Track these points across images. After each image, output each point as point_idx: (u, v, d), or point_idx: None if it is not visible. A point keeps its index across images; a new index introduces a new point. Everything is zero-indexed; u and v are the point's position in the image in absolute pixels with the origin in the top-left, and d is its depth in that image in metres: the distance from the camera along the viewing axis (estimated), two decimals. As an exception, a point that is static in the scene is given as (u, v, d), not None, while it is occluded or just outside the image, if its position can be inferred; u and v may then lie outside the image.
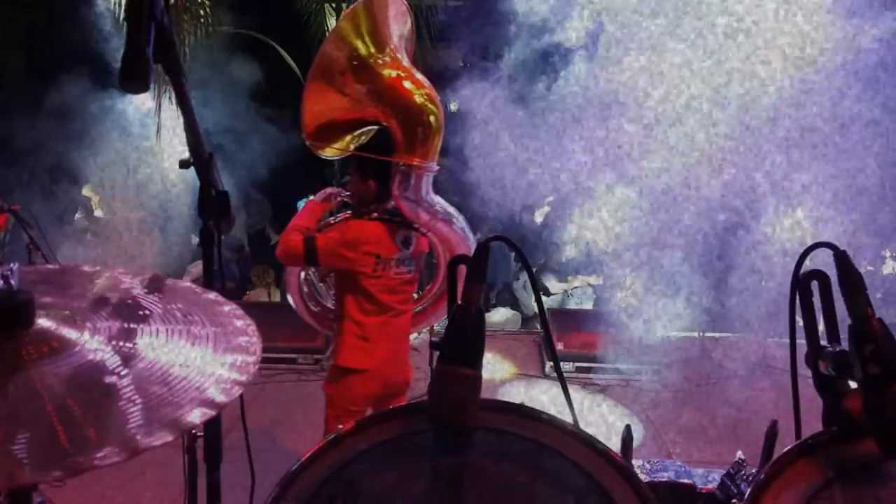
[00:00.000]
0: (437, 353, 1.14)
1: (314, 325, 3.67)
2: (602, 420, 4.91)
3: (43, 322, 1.11)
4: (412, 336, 3.69)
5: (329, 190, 3.36)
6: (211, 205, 1.39)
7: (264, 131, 7.98)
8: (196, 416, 1.00)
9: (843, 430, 1.18)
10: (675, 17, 5.18)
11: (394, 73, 3.14)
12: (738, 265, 5.53)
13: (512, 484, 1.11)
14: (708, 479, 1.51)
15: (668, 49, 5.19)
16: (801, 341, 1.30)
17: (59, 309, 1.16)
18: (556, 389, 1.35)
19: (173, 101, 5.69)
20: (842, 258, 1.18)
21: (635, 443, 1.67)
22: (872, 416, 1.10)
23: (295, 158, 6.76)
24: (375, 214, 3.15)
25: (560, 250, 7.64)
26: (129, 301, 1.25)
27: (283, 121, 7.64)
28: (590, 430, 1.17)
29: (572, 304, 7.76)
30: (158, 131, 7.30)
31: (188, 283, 1.39)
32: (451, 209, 3.34)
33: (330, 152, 3.34)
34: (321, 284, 3.59)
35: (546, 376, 5.72)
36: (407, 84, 3.15)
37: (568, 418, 1.21)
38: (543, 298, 2.68)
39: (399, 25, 3.22)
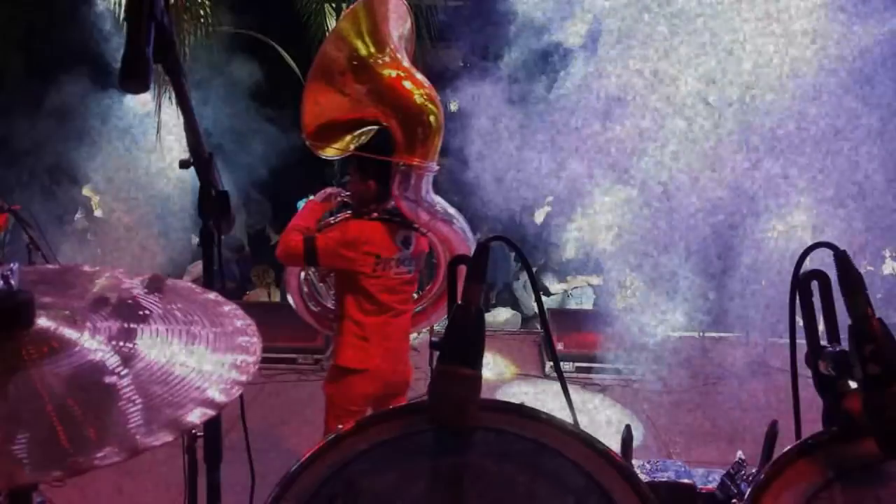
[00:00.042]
0: (437, 353, 1.14)
1: (314, 325, 3.67)
2: (602, 420, 4.91)
3: (43, 322, 1.11)
4: (412, 336, 3.69)
5: (329, 190, 3.36)
6: (211, 205, 1.39)
7: (264, 131, 7.98)
8: (196, 416, 1.00)
9: (843, 430, 1.18)
10: (675, 17, 5.18)
11: (394, 73, 3.14)
12: (738, 265, 5.53)
13: (512, 484, 1.11)
14: (708, 479, 1.51)
15: (669, 49, 5.19)
16: (801, 341, 1.30)
17: (59, 309, 1.16)
18: (556, 389, 1.35)
19: (173, 101, 5.69)
20: (842, 258, 1.18)
21: (635, 443, 1.67)
22: (872, 416, 1.10)
23: (295, 158, 6.75)
24: (375, 214, 3.15)
25: (560, 250, 7.64)
26: (129, 301, 1.25)
27: (283, 121, 7.64)
28: (590, 430, 1.17)
29: (572, 304, 7.75)
30: (158, 131, 7.30)
31: (188, 283, 1.39)
32: (451, 209, 3.34)
33: (330, 152, 3.34)
34: (321, 284, 3.59)
35: (546, 376, 5.72)
36: (407, 84, 3.15)
37: (568, 418, 1.21)
38: (543, 298, 2.68)
39: (399, 25, 3.22)
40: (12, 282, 1.09)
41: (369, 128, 3.31)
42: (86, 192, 8.50)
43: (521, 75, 6.27)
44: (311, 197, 3.33)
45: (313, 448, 1.16)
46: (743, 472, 1.40)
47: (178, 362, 1.09)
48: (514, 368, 5.89)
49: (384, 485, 1.12)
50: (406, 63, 3.22)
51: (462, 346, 1.13)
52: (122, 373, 1.05)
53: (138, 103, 7.47)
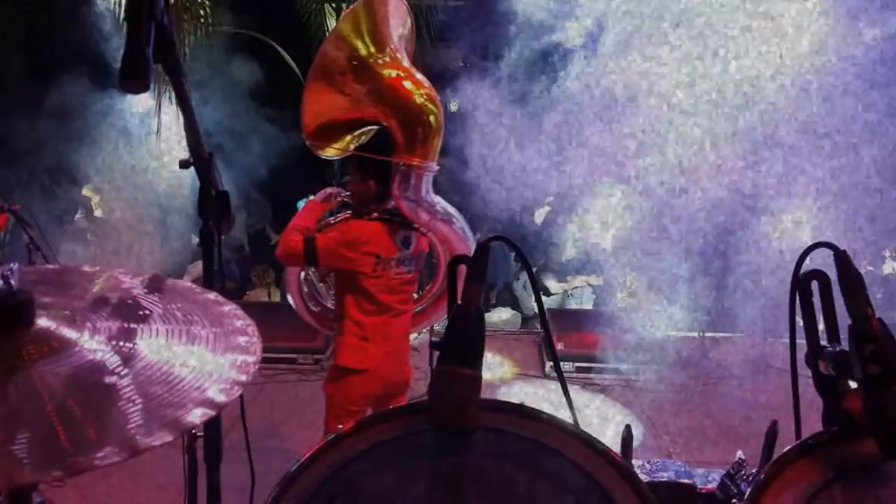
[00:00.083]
0: (437, 353, 1.14)
1: (314, 325, 3.67)
2: (602, 420, 4.91)
3: (43, 322, 1.11)
4: (412, 336, 3.69)
5: (329, 190, 3.36)
6: (211, 205, 1.38)
7: (264, 131, 7.98)
8: (196, 416, 1.00)
9: (843, 430, 1.18)
10: (675, 16, 5.18)
11: (394, 73, 3.14)
12: (738, 265, 5.53)
13: (512, 484, 1.11)
14: (708, 479, 1.51)
15: (669, 49, 5.19)
16: (801, 341, 1.30)
17: (59, 309, 1.16)
18: (556, 389, 1.35)
19: (173, 101, 5.70)
20: (842, 258, 1.18)
21: (635, 443, 1.67)
22: (872, 416, 1.10)
23: (295, 158, 6.75)
24: (375, 214, 3.15)
25: (560, 250, 7.64)
26: (129, 301, 1.25)
27: (283, 121, 7.64)
28: (590, 430, 1.17)
29: (572, 304, 7.76)
30: (158, 131, 7.31)
31: (188, 283, 1.39)
32: (451, 209, 3.34)
33: (330, 152, 3.34)
34: (321, 284, 3.59)
35: (546, 376, 5.72)
36: (407, 84, 3.15)
37: (568, 418, 1.21)
38: (543, 298, 2.68)
39: (399, 25, 3.22)
40: (12, 282, 1.09)
41: (369, 128, 3.31)
42: (86, 192, 8.50)
43: (521, 75, 6.27)
44: (311, 197, 3.33)
45: (313, 448, 1.16)
46: (743, 472, 1.40)
47: (178, 362, 1.09)
48: (514, 368, 5.89)
49: (384, 485, 1.12)
50: (406, 63, 3.22)
51: (462, 346, 1.13)
52: (122, 373, 1.05)
53: (138, 103, 7.47)
